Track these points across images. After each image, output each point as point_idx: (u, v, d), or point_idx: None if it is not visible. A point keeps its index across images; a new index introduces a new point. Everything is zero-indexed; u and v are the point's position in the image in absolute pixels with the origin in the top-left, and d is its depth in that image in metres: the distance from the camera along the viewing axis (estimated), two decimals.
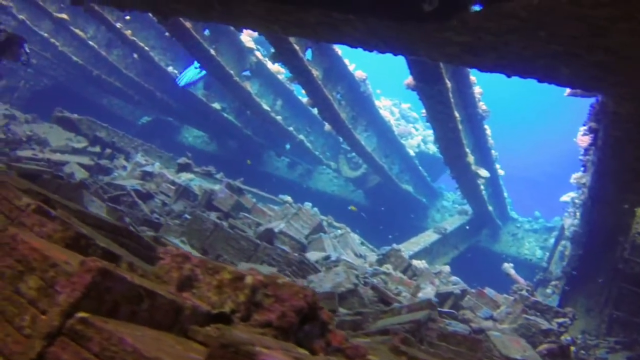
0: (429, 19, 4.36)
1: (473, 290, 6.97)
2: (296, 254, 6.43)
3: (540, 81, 4.78)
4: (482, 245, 14.76)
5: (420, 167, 14.37)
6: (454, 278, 7.69)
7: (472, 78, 8.26)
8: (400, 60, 7.33)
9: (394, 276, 6.69)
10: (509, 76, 4.88)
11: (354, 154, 14.07)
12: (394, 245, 7.82)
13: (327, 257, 6.99)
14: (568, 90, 6.33)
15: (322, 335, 2.02)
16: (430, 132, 16.35)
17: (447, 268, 7.97)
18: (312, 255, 6.86)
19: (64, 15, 11.44)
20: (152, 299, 1.63)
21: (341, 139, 13.86)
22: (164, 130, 18.43)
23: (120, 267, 2.64)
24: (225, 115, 13.14)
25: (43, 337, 1.39)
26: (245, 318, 1.86)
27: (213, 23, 8.65)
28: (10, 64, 6.99)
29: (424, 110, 8.06)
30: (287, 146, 15.63)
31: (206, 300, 1.93)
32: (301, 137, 12.64)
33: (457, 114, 7.73)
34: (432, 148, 15.77)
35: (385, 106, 13.79)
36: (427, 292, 6.65)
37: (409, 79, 7.32)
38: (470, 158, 9.02)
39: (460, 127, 8.10)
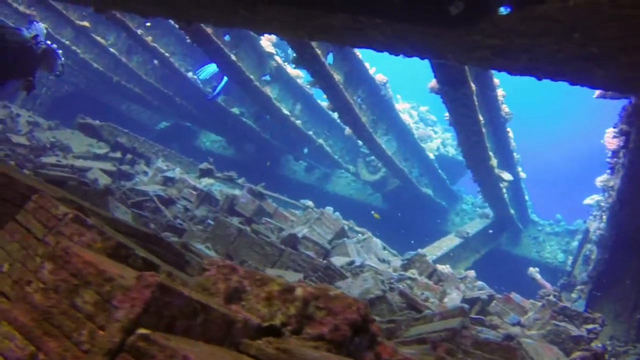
0: (458, 23, 4.31)
1: (499, 296, 6.87)
2: (322, 260, 6.39)
3: (571, 84, 4.69)
4: (503, 249, 14.60)
5: (439, 170, 14.27)
6: (479, 283, 7.60)
7: (496, 81, 8.18)
8: (417, 63, 7.29)
9: (419, 282, 6.62)
10: (539, 79, 4.81)
11: (372, 157, 14.02)
12: (419, 250, 7.75)
13: (352, 263, 6.94)
14: (597, 92, 6.24)
15: (371, 347, 1.99)
16: (449, 134, 16.34)
17: (472, 273, 7.88)
18: (337, 261, 6.82)
19: (86, 23, 11.56)
20: (207, 313, 1.61)
21: (360, 143, 13.85)
22: (181, 135, 18.55)
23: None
24: (244, 119, 13.17)
25: (104, 353, 1.37)
26: (296, 331, 1.83)
27: (236, 29, 8.68)
28: (43, 74, 7.09)
29: (447, 114, 8.00)
30: (305, 150, 15.63)
31: (255, 312, 1.90)
32: (320, 141, 12.62)
33: (481, 117, 7.65)
34: (452, 151, 15.68)
35: (404, 109, 13.72)
36: (453, 297, 6.57)
37: (433, 82, 7.27)
38: (494, 161, 8.93)
39: (483, 130, 8.01)
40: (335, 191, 16.66)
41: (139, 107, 18.10)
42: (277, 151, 16.14)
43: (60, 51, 7.08)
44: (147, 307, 1.41)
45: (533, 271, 9.27)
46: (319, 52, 7.79)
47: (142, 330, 1.36)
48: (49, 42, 6.99)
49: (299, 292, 1.86)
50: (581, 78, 4.53)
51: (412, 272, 6.94)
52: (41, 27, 7.02)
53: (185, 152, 14.22)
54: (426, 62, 6.71)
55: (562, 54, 4.09)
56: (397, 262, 7.88)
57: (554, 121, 50.50)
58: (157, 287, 1.41)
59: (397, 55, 5.57)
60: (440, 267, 7.56)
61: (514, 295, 6.92)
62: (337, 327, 1.78)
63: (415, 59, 6.33)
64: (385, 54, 6.36)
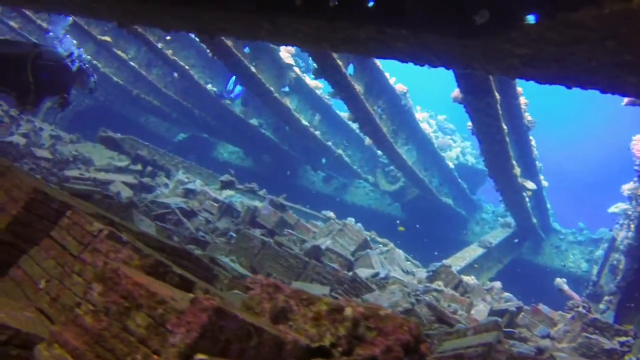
0: (485, 32, 4.27)
1: (527, 307, 6.75)
2: (346, 272, 6.34)
3: (603, 92, 4.61)
4: (525, 258, 14.41)
5: (459, 179, 14.15)
6: (506, 294, 7.48)
7: (519, 89, 8.10)
8: (434, 72, 7.26)
9: (445, 293, 6.53)
10: (569, 88, 4.73)
11: (391, 167, 13.97)
12: (444, 262, 7.66)
13: (376, 274, 6.87)
14: (626, 99, 6.14)
15: None
16: (469, 143, 16.23)
17: (498, 284, 7.76)
18: (361, 272, 6.75)
19: (107, 38, 11.72)
20: (260, 335, 1.57)
21: (379, 153, 13.80)
22: (199, 147, 18.66)
23: (195, 293, 2.60)
24: (263, 130, 13.21)
25: None
26: (346, 352, 1.78)
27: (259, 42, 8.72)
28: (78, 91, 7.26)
29: (469, 123, 7.93)
30: (323, 160, 15.62)
31: (303, 333, 1.86)
32: (339, 151, 12.60)
33: (504, 126, 7.57)
34: (471, 159, 15.57)
35: (423, 118, 13.65)
36: (480, 309, 6.47)
37: (456, 92, 7.21)
38: (517, 170, 8.82)
39: (507, 139, 7.93)
40: (354, 201, 16.60)
41: (157, 119, 18.27)
42: (295, 162, 16.15)
43: (92, 70, 7.27)
44: (204, 331, 1.38)
45: (560, 282, 9.11)
46: (340, 62, 7.78)
47: (200, 356, 1.33)
48: (83, 58, 7.16)
49: (348, 312, 1.82)
50: (613, 86, 4.45)
51: (438, 284, 6.85)
52: (72, 42, 7.17)
53: (203, 164, 14.28)
54: (442, 71, 6.67)
55: (595, 62, 4.02)
56: (421, 273, 7.79)
57: (573, 127, 49.98)
58: (213, 311, 1.38)
59: (422, 65, 5.52)
60: (465, 278, 7.45)
61: (542, 307, 6.79)
62: (390, 348, 1.73)
63: (433, 69, 6.30)
64: (403, 63, 6.32)
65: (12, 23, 12.33)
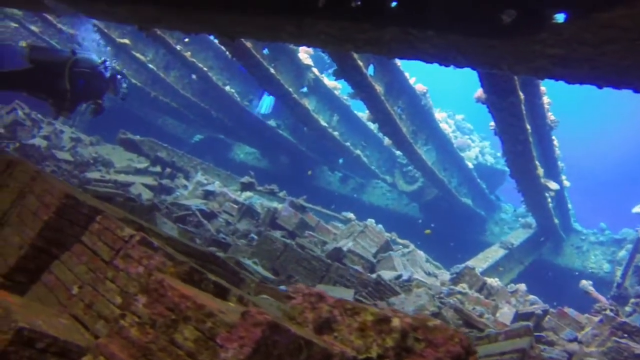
0: (515, 33, 4.19)
1: (553, 310, 6.64)
2: (372, 275, 6.29)
3: (636, 91, 4.52)
4: (545, 259, 14.21)
5: (478, 179, 14.01)
6: (531, 297, 7.37)
7: (542, 88, 7.98)
8: (451, 71, 7.18)
9: (470, 296, 6.45)
10: (600, 87, 4.64)
11: (410, 167, 13.88)
12: (468, 264, 7.57)
13: (399, 277, 6.81)
14: None
15: None
16: (487, 143, 16.07)
17: (522, 286, 7.65)
18: (384, 275, 6.70)
19: (126, 41, 11.78)
20: (310, 348, 1.54)
21: (397, 153, 13.72)
22: (215, 148, 18.70)
23: (230, 301, 2.58)
24: (281, 131, 13.19)
25: None
26: None
27: (278, 43, 8.70)
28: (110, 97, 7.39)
29: (492, 123, 7.83)
30: (340, 161, 15.58)
31: (349, 344, 1.82)
32: (358, 151, 12.54)
33: (528, 126, 7.46)
34: (490, 159, 15.41)
35: (441, 118, 13.54)
36: (505, 312, 6.37)
37: (479, 92, 7.12)
38: (540, 171, 8.69)
39: (530, 139, 7.82)
40: (371, 201, 16.52)
41: (174, 120, 18.35)
42: (311, 162, 16.11)
43: (124, 75, 7.40)
44: (258, 346, 1.34)
45: (586, 284, 8.95)
46: (360, 63, 7.73)
47: None
48: (115, 66, 7.28)
49: (395, 322, 1.77)
50: None
51: (462, 286, 6.77)
52: (105, 48, 7.33)
53: (219, 165, 14.31)
54: (460, 70, 6.59)
55: (628, 61, 3.93)
56: (444, 275, 7.70)
57: (592, 124, 49.29)
58: (267, 325, 1.35)
59: (447, 66, 5.46)
60: (489, 280, 7.36)
61: (568, 310, 6.67)
62: None
63: (450, 68, 6.23)
64: (419, 63, 6.26)
65: (33, 27, 12.45)
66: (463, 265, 7.40)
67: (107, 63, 6.87)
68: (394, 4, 4.84)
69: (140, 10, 5.93)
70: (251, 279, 4.68)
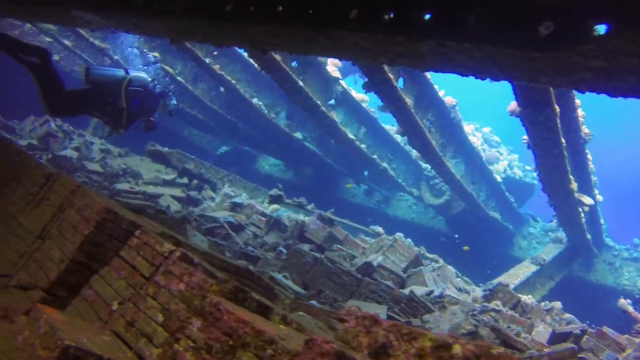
0: (556, 45, 4.09)
1: (592, 330, 6.42)
2: (403, 290, 6.18)
3: None
4: (576, 275, 13.87)
5: (506, 193, 13.79)
6: (567, 316, 7.15)
7: (577, 101, 7.82)
8: (478, 84, 7.09)
9: (504, 314, 6.28)
10: None
11: (436, 180, 13.73)
12: (502, 281, 7.40)
13: (430, 292, 6.69)
14: None
15: None
16: (516, 156, 15.83)
17: (558, 304, 7.44)
18: (415, 291, 6.58)
19: (156, 53, 11.94)
20: None
21: (423, 166, 13.59)
22: (241, 159, 18.79)
23: (273, 320, 2.52)
24: (307, 144, 13.19)
25: None
26: None
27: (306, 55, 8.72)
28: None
29: (525, 136, 7.69)
30: (366, 173, 15.50)
31: None
32: (384, 164, 12.44)
33: (563, 140, 7.31)
34: (519, 173, 15.18)
35: (470, 131, 13.38)
36: (541, 331, 6.20)
37: (513, 105, 7.00)
38: (574, 185, 8.49)
39: (565, 153, 7.65)
40: (396, 214, 16.39)
41: (200, 132, 18.50)
42: (337, 174, 16.06)
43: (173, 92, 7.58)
44: None
45: (624, 303, 8.67)
46: (391, 76, 7.68)
47: None
48: (168, 82, 7.48)
49: (457, 349, 1.69)
50: None
51: (496, 304, 6.60)
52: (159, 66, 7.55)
53: (244, 176, 14.34)
54: (487, 83, 6.48)
55: None
56: (476, 291, 7.54)
57: (621, 135, 48.24)
58: (335, 355, 1.28)
59: (483, 79, 5.36)
60: (523, 297, 7.17)
61: (607, 330, 6.45)
62: None
63: (476, 81, 6.12)
64: (446, 75, 6.15)
65: (66, 42, 12.72)
66: (496, 281, 7.23)
67: (156, 81, 7.07)
68: (427, 16, 4.79)
69: (173, 24, 5.98)
70: (285, 295, 4.62)
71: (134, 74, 6.79)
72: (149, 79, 7.01)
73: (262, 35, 6.18)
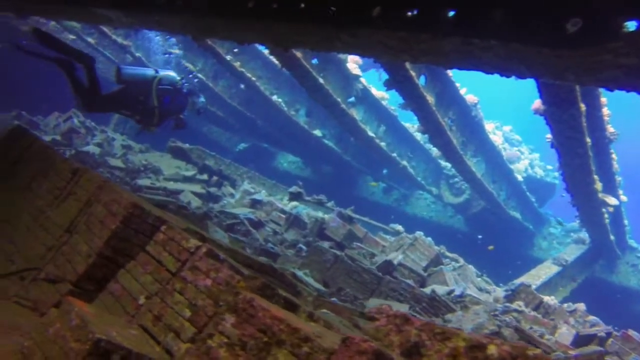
0: (585, 42, 4.03)
1: (617, 333, 6.32)
2: (423, 289, 6.14)
3: None
4: (598, 277, 13.66)
5: (527, 193, 13.62)
6: (591, 318, 7.05)
7: (603, 99, 7.69)
8: (500, 81, 7.02)
9: (527, 314, 6.21)
10: None
11: (456, 179, 13.63)
12: (524, 281, 7.31)
13: (451, 292, 6.63)
14: None
15: None
16: (537, 155, 15.62)
17: (582, 306, 7.33)
18: (436, 290, 6.53)
19: (177, 50, 12.02)
20: None
21: (443, 164, 13.50)
22: (259, 156, 18.83)
23: (300, 317, 2.51)
24: (326, 141, 13.17)
25: None
26: None
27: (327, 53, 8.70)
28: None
29: (549, 135, 7.58)
30: (385, 171, 15.42)
31: None
32: (404, 162, 12.38)
33: (588, 139, 7.19)
34: (540, 172, 14.98)
35: (491, 130, 13.25)
36: (564, 333, 6.11)
37: (537, 103, 6.91)
38: (598, 185, 8.36)
39: (589, 152, 7.53)
40: (415, 213, 16.28)
41: (219, 129, 18.58)
42: (355, 172, 16.02)
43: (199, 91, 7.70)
44: None
45: None
46: (412, 73, 7.63)
47: None
48: (195, 80, 7.59)
49: (492, 350, 1.66)
50: None
51: (518, 304, 6.53)
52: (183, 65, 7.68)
53: (263, 173, 14.38)
54: (508, 81, 6.38)
55: None
56: (498, 292, 7.46)
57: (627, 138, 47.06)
58: (373, 354, 1.27)
59: (508, 76, 5.29)
60: (546, 298, 7.08)
61: (632, 333, 6.34)
62: None
63: (497, 79, 6.04)
64: (465, 73, 6.08)
65: (89, 39, 12.87)
66: (518, 282, 7.15)
67: (185, 80, 7.19)
68: (451, 13, 4.73)
69: (196, 21, 6.00)
70: (307, 292, 4.62)
71: (163, 72, 6.89)
72: (178, 78, 7.10)
73: (284, 32, 6.17)
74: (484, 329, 4.75)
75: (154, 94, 6.62)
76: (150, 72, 6.86)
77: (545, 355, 1.65)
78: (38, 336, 2.27)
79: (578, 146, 7.37)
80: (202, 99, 7.51)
